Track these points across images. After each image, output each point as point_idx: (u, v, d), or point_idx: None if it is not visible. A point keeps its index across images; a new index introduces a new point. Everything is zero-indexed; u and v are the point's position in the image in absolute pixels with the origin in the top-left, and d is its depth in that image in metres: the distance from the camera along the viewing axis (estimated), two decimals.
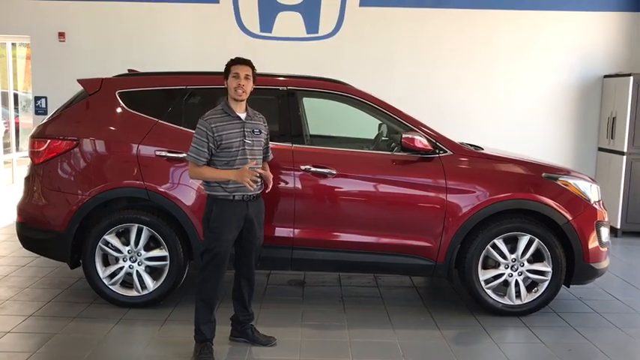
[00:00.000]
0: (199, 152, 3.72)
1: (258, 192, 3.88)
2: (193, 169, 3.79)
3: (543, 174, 4.61)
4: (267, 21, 7.86)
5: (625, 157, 7.41)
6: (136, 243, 4.51)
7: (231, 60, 3.85)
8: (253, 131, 3.83)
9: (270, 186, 3.93)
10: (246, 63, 3.83)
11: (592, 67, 7.92)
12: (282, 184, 4.46)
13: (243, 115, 3.82)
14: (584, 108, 7.98)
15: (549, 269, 4.53)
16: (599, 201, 4.72)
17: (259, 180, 3.85)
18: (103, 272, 4.54)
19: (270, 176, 3.89)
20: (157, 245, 4.53)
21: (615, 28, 7.88)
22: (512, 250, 4.55)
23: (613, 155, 7.64)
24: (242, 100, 3.80)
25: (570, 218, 4.50)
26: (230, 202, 3.76)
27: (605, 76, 7.88)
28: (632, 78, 7.32)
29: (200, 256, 3.88)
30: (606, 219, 4.72)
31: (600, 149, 7.97)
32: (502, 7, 7.83)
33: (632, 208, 7.46)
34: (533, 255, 4.55)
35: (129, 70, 5.22)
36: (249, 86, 3.80)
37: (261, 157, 3.92)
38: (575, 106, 7.98)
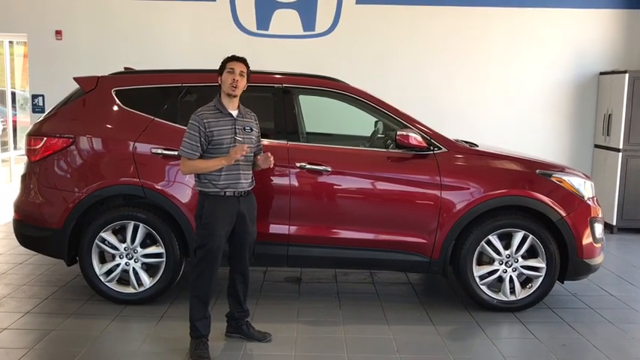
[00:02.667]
0: (192, 147, 3.75)
1: (249, 188, 3.91)
2: (186, 163, 3.80)
3: (537, 171, 4.63)
4: (263, 19, 7.87)
5: (621, 154, 7.44)
6: (133, 240, 4.53)
7: (227, 57, 3.88)
8: (244, 128, 3.86)
9: (272, 161, 3.92)
10: (242, 60, 3.87)
11: (588, 64, 7.94)
12: (278, 181, 4.48)
13: (234, 113, 3.85)
14: (580, 105, 8.01)
15: (543, 265, 4.56)
16: (593, 197, 4.75)
17: (250, 176, 3.90)
18: (99, 269, 4.56)
19: (268, 157, 3.91)
20: (154, 242, 4.55)
21: (611, 26, 7.90)
22: (507, 247, 4.57)
23: (609, 152, 7.67)
24: (235, 96, 3.83)
25: (564, 214, 4.52)
26: (222, 198, 3.78)
27: (601, 73, 7.91)
28: (627, 75, 7.33)
29: (193, 252, 3.90)
30: (600, 215, 4.75)
31: (596, 146, 8.00)
32: (498, 5, 7.85)
33: (627, 204, 7.49)
34: (527, 251, 4.57)
35: (125, 68, 5.23)
36: (243, 83, 3.84)
37: (252, 154, 3.94)
38: (571, 103, 8.00)
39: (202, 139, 3.74)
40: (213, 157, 3.78)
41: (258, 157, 3.97)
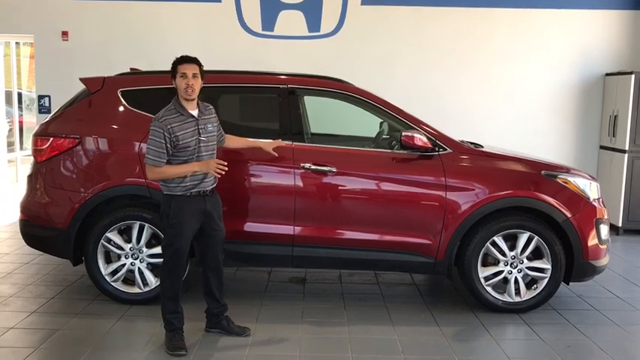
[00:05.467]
0: (159, 154, 3.73)
1: (213, 187, 3.95)
2: (153, 170, 3.77)
3: (543, 172, 4.62)
4: (269, 20, 7.89)
5: (626, 155, 7.41)
6: (138, 240, 4.54)
7: (178, 59, 3.85)
8: (206, 127, 3.89)
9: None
10: (193, 61, 3.86)
11: (593, 65, 7.92)
12: (283, 182, 4.49)
13: (195, 113, 3.87)
14: (585, 106, 7.99)
15: (549, 266, 4.54)
16: (598, 198, 4.73)
17: (212, 175, 3.93)
18: (105, 269, 4.57)
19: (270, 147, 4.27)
20: (159, 242, 4.55)
21: (617, 26, 7.88)
22: (512, 248, 4.56)
23: (615, 153, 7.64)
24: (193, 100, 3.84)
25: (569, 216, 4.51)
26: (188, 198, 3.82)
27: (607, 75, 7.89)
28: (633, 76, 7.31)
29: (162, 251, 3.97)
30: (606, 216, 4.73)
31: (602, 147, 7.98)
32: (503, 6, 7.84)
33: (633, 206, 7.46)
34: (532, 252, 4.56)
35: (131, 68, 5.26)
36: (198, 84, 3.83)
37: (215, 148, 3.98)
38: (576, 104, 7.99)
39: (168, 145, 3.74)
40: (180, 159, 3.79)
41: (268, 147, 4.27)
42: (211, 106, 4.04)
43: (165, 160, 3.76)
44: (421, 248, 4.54)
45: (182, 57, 3.86)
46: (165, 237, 3.90)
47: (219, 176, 3.85)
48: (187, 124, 3.80)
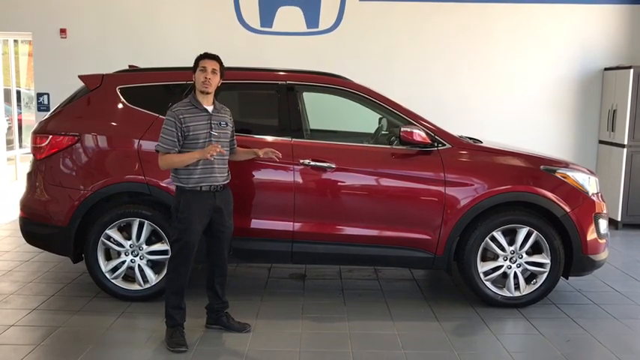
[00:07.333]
0: (171, 142, 3.81)
1: (225, 183, 3.98)
2: (163, 157, 3.85)
3: (542, 166, 4.63)
4: (267, 16, 7.88)
5: (625, 149, 7.43)
6: (138, 237, 4.55)
7: (200, 55, 3.96)
8: (220, 124, 3.94)
9: (277, 154, 4.23)
10: (214, 58, 3.95)
11: (592, 59, 7.93)
12: (282, 178, 4.50)
13: (210, 108, 3.93)
14: (584, 101, 8.00)
15: (548, 261, 4.55)
16: (597, 193, 4.74)
17: (225, 171, 3.98)
18: (105, 266, 4.58)
19: (270, 151, 4.19)
20: (159, 239, 4.57)
21: (615, 21, 7.88)
22: (511, 242, 4.57)
23: (613, 148, 7.65)
24: (209, 93, 3.91)
25: (568, 210, 4.52)
26: (197, 193, 3.85)
27: (606, 69, 7.89)
28: (632, 70, 7.32)
29: (170, 246, 3.99)
30: (605, 211, 4.74)
31: (601, 142, 7.99)
32: (502, 1, 7.84)
33: (632, 200, 7.48)
34: (531, 247, 4.57)
35: (129, 65, 5.25)
36: (216, 80, 3.91)
37: (228, 149, 4.02)
38: (575, 98, 7.99)
39: (179, 134, 3.81)
40: (189, 151, 3.84)
41: (261, 151, 4.16)
42: (228, 110, 4.08)
43: (175, 150, 3.82)
44: (420, 243, 4.55)
45: (205, 53, 3.97)
46: (173, 231, 3.92)
47: (212, 158, 3.80)
48: (200, 117, 3.86)
